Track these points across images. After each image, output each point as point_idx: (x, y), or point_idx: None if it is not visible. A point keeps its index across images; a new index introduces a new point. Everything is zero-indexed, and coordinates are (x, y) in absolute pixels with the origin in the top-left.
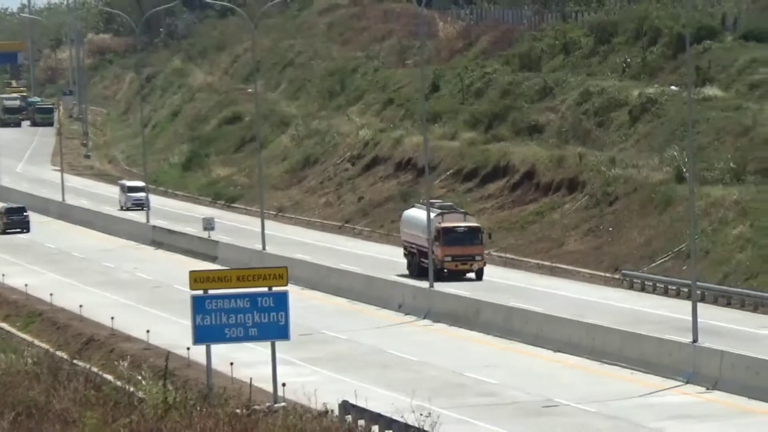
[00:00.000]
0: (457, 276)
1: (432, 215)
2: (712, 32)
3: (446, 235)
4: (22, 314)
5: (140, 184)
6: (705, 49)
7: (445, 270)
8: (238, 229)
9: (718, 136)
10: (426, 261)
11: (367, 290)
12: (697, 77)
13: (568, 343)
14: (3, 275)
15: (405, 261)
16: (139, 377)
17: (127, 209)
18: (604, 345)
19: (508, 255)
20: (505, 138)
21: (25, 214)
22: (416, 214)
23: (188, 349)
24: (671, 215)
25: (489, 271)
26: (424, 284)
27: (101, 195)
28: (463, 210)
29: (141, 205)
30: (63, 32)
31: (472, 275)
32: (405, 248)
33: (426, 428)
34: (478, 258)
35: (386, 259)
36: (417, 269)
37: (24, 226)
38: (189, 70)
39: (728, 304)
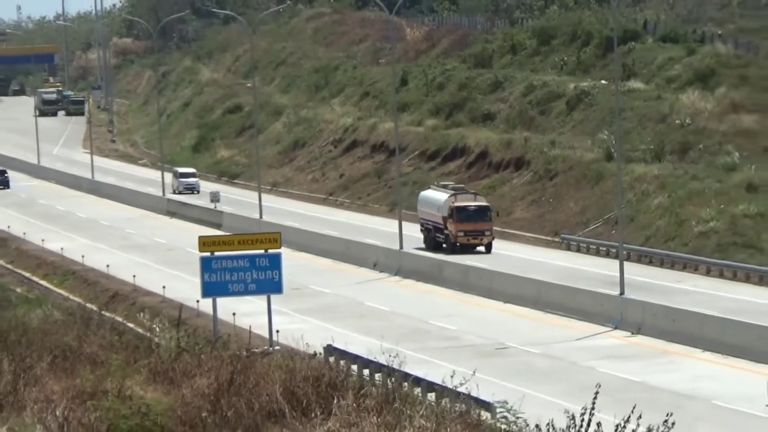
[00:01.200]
0: (469, 249)
1: (446, 196)
2: (636, 35)
3: (459, 213)
4: (58, 273)
5: (191, 170)
6: (630, 49)
7: (458, 244)
8: (239, 201)
9: (641, 122)
10: (440, 236)
11: (347, 251)
12: (623, 72)
13: (516, 295)
14: (43, 240)
15: (416, 235)
16: (156, 326)
17: (180, 193)
18: (546, 297)
19: None
20: (462, 124)
21: (6, 174)
22: (431, 195)
23: (198, 301)
24: (602, 188)
25: None
26: (395, 246)
27: (124, 173)
28: (473, 191)
29: (192, 189)
30: (92, 37)
31: (482, 248)
32: (422, 225)
33: (396, 367)
34: (487, 233)
35: (363, 226)
36: (432, 243)
37: (4, 184)
38: (197, 68)
39: (650, 263)
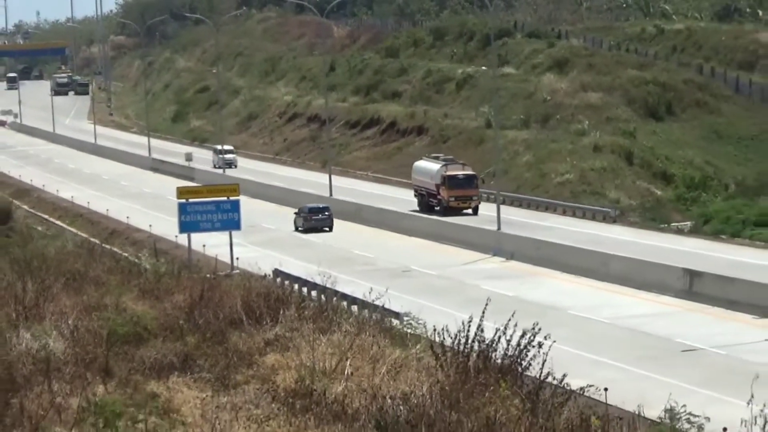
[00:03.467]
0: (458, 211)
1: (438, 166)
2: (508, 32)
3: (450, 181)
4: (69, 215)
5: (230, 147)
6: (504, 43)
7: (450, 207)
8: (207, 159)
9: (512, 99)
10: (433, 200)
11: (288, 198)
12: (499, 61)
13: (419, 230)
14: (57, 190)
15: (415, 199)
16: (144, 254)
17: (219, 167)
18: (441, 232)
19: (378, 175)
20: (376, 100)
21: None
22: (425, 165)
23: (176, 236)
24: (483, 149)
25: (368, 185)
26: (326, 193)
27: (120, 139)
28: (461, 162)
29: (230, 164)
30: (94, 35)
31: (469, 211)
32: (415, 191)
33: (330, 286)
34: (474, 198)
35: (301, 179)
36: (426, 207)
37: None
38: (175, 59)
39: (520, 206)
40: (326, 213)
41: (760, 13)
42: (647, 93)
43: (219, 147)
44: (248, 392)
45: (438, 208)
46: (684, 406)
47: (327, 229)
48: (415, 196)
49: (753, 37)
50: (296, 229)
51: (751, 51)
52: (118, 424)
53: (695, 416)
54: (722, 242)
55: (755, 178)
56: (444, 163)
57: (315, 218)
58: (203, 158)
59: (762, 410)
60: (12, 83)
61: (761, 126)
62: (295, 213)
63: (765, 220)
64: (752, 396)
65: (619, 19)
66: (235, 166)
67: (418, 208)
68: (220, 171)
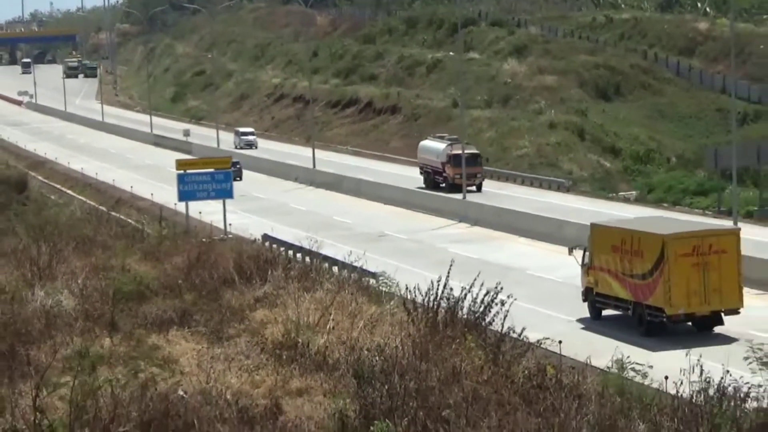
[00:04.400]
0: (462, 188)
1: (443, 145)
2: (473, 21)
3: (455, 159)
4: (79, 185)
5: (250, 129)
6: (469, 31)
7: (455, 184)
8: (203, 135)
9: (477, 81)
10: (439, 178)
11: (276, 169)
12: (465, 47)
13: (392, 199)
14: (68, 162)
15: (420, 177)
16: (147, 220)
17: (240, 148)
18: (413, 201)
19: (357, 149)
20: (355, 83)
21: None
22: (431, 144)
23: (175, 204)
24: (450, 126)
25: (347, 158)
26: (309, 165)
27: (125, 117)
28: (466, 141)
29: (250, 145)
30: (101, 23)
31: (473, 188)
32: (421, 168)
33: (313, 249)
34: (478, 176)
35: (288, 152)
36: (432, 184)
37: None
38: (174, 45)
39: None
40: (237, 166)
41: (699, 4)
42: (598, 76)
43: (240, 129)
44: (240, 344)
45: (443, 185)
46: (626, 356)
47: (238, 179)
48: (421, 173)
49: (692, 26)
50: None
51: (690, 38)
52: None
53: (638, 364)
54: (664, 209)
55: (694, 152)
56: (449, 142)
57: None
58: (200, 134)
59: (698, 360)
60: (26, 68)
61: (699, 106)
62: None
63: (702, 190)
64: (690, 349)
65: (572, 9)
66: (256, 147)
67: (424, 185)
68: (241, 151)
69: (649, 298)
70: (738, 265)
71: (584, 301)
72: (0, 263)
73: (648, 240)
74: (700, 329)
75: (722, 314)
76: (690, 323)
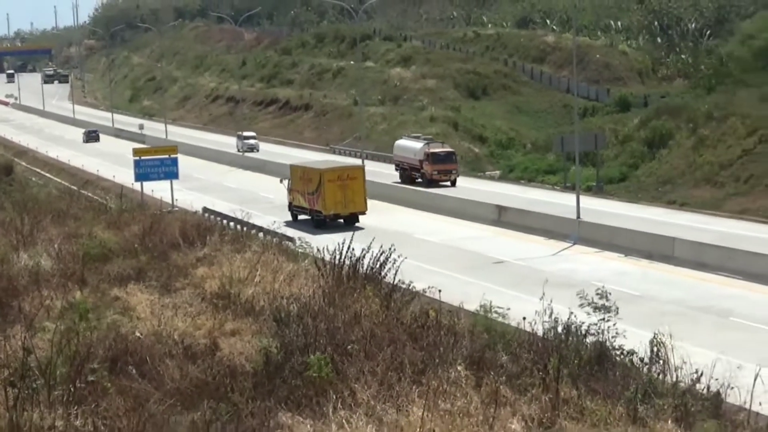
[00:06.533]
0: (438, 184)
1: (421, 144)
2: (369, 36)
3: (433, 157)
4: (55, 169)
5: (252, 134)
6: (366, 44)
7: (432, 179)
8: (154, 129)
9: (373, 85)
10: (416, 174)
11: (216, 156)
12: (362, 57)
13: None
14: (46, 151)
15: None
16: (109, 197)
17: (243, 152)
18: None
19: (278, 138)
20: (276, 86)
21: None
22: (407, 143)
23: (132, 184)
24: (352, 121)
25: (271, 146)
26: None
27: (91, 114)
28: (441, 141)
29: (252, 149)
30: (72, 39)
31: (447, 183)
32: (397, 165)
33: (245, 219)
34: (453, 172)
35: (222, 141)
36: (408, 180)
37: None
38: (131, 56)
39: (377, 160)
40: (94, 133)
41: (548, 21)
42: (468, 80)
43: (242, 133)
44: (184, 295)
45: (420, 180)
46: (491, 301)
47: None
48: (397, 170)
49: (542, 39)
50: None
51: (541, 49)
52: (89, 317)
53: (500, 308)
54: (522, 185)
55: (545, 140)
56: (426, 141)
57: (92, 134)
58: (152, 128)
59: (549, 304)
60: (10, 78)
61: (549, 103)
62: (84, 133)
63: (552, 170)
64: (543, 294)
65: (448, 26)
66: (257, 150)
67: (400, 180)
68: (242, 154)
69: (315, 206)
70: (363, 186)
71: (289, 210)
72: None
73: (314, 172)
74: (347, 224)
75: (358, 215)
76: (341, 221)
